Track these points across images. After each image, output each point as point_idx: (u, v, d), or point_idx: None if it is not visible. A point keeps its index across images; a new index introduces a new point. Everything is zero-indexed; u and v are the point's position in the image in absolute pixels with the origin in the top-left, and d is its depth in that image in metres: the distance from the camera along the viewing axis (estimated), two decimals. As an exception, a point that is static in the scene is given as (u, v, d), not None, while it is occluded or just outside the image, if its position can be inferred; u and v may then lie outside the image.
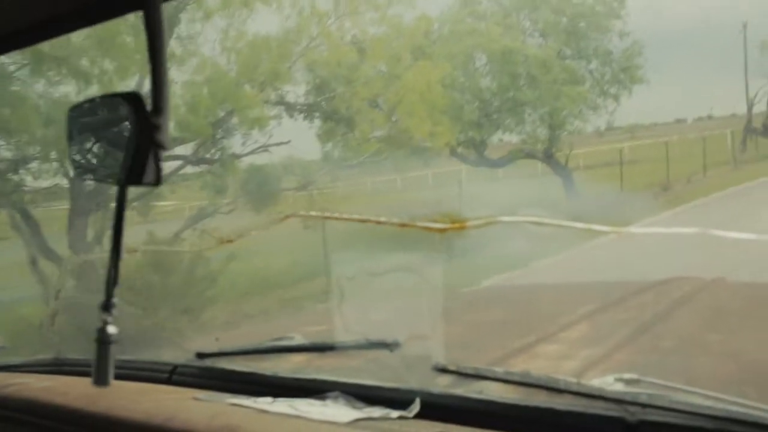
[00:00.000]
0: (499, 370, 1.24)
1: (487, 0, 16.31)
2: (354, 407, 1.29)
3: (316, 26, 10.62)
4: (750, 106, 22.48)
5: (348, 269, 1.49)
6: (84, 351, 1.79)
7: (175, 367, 1.56)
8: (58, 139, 9.06)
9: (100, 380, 1.09)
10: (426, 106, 11.20)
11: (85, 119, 1.17)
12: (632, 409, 1.08)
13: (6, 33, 1.19)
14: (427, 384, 1.29)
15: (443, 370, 1.30)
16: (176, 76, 9.98)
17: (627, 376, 1.15)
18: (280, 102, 11.48)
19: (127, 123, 1.08)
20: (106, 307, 1.08)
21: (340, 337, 1.53)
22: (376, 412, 1.25)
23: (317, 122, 12.59)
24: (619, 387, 1.14)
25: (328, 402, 1.32)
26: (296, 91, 11.85)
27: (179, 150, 10.21)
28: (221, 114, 10.14)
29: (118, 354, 1.43)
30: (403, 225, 1.21)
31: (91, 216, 9.51)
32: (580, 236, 8.19)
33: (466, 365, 1.28)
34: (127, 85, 9.52)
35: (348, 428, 1.20)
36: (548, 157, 16.10)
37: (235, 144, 10.96)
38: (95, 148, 1.14)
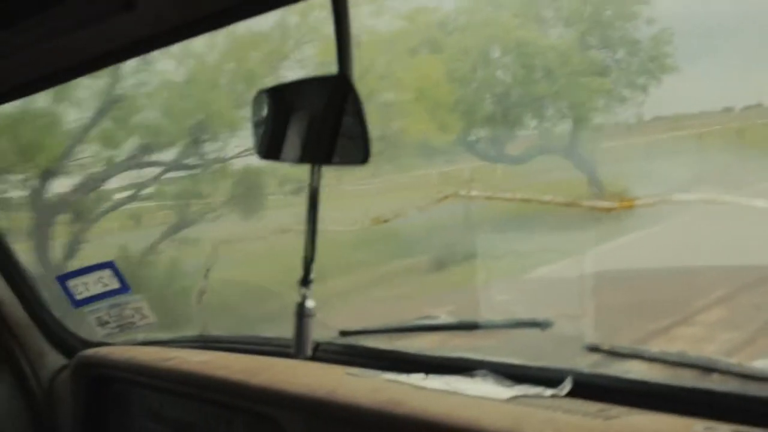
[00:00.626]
0: (654, 350, 1.27)
1: (508, -12, 16.11)
2: (504, 385, 1.32)
3: (306, 19, 10.41)
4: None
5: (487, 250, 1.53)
6: (225, 328, 1.87)
7: (318, 344, 1.61)
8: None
9: (300, 352, 1.14)
10: (427, 102, 11.00)
11: (277, 102, 1.20)
12: None
13: (197, 18, 1.22)
14: (573, 363, 1.32)
15: (595, 350, 1.33)
16: (149, 78, 9.72)
17: None
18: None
19: (325, 104, 1.11)
20: (305, 282, 1.13)
21: (475, 316, 1.59)
22: (529, 390, 1.28)
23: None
24: None
25: (478, 380, 1.36)
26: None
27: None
28: (201, 116, 9.92)
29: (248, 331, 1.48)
30: (569, 204, 1.24)
31: (53, 228, 9.32)
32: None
33: (618, 345, 1.32)
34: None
35: (508, 404, 1.24)
36: (571, 152, 15.93)
37: (224, 148, 10.59)
38: (289, 131, 1.17)
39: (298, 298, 1.16)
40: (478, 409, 1.25)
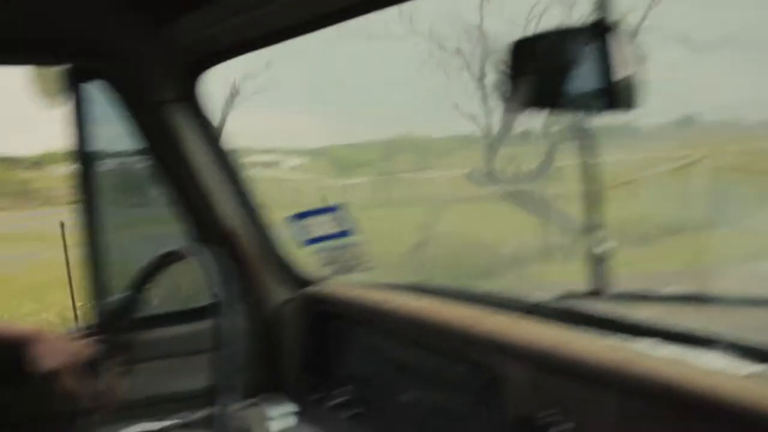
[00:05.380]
0: None
1: None
2: (742, 363, 1.22)
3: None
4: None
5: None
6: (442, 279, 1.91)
7: (537, 304, 1.61)
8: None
9: (601, 296, 1.13)
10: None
11: (540, 54, 1.18)
12: None
13: None
14: None
15: None
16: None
17: None
18: None
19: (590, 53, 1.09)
20: (593, 228, 1.12)
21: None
22: None
23: None
24: None
25: (709, 354, 1.29)
26: None
27: None
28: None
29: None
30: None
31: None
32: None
33: None
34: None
35: (747, 380, 1.16)
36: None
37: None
38: (555, 82, 1.15)
39: (592, 246, 1.16)
40: (715, 379, 1.17)
